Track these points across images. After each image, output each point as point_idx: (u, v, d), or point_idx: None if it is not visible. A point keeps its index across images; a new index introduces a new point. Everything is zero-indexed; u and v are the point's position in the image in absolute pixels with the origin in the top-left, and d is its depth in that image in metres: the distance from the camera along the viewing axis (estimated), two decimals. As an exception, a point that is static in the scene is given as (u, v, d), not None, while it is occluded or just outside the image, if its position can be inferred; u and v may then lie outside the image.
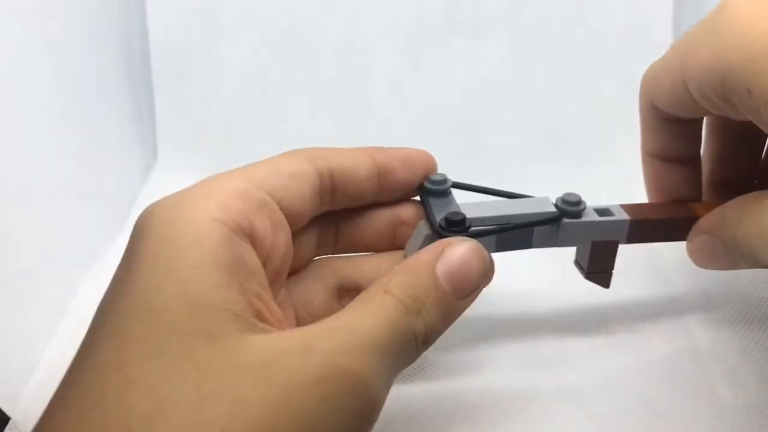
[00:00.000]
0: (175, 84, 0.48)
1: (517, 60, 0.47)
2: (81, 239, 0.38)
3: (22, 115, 0.34)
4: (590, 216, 0.27)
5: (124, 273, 0.20)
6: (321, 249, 0.28)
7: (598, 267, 0.29)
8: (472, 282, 0.22)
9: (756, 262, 0.24)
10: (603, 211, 0.28)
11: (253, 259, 0.21)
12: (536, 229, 0.27)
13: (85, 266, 0.37)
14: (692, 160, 0.29)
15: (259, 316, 0.20)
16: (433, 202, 0.27)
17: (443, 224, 0.25)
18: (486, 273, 0.23)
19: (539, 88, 0.47)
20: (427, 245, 0.23)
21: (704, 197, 0.30)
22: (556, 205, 0.27)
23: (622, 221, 0.27)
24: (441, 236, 0.25)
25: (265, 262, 0.22)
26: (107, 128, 0.44)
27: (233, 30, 0.48)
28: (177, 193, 0.22)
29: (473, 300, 0.23)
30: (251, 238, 0.22)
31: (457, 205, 0.27)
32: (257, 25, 0.48)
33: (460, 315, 0.22)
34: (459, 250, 0.22)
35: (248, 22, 0.48)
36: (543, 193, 0.28)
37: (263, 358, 0.19)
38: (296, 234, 0.25)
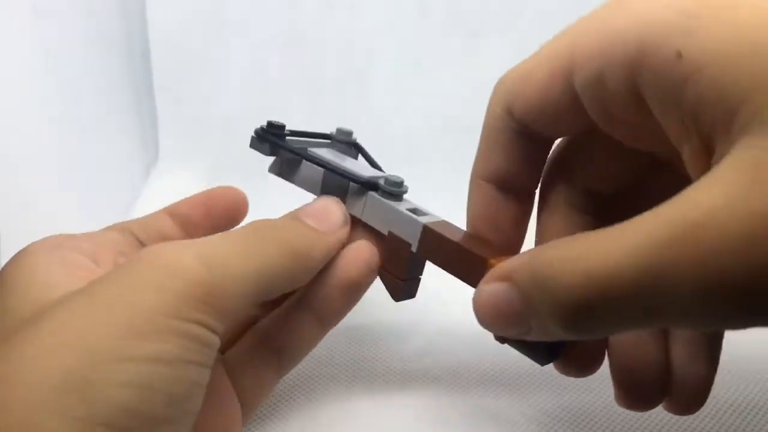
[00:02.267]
0: (175, 84, 0.48)
1: (518, 60, 0.47)
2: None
3: (22, 115, 0.34)
4: (400, 204, 0.25)
5: None
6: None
7: (389, 265, 0.25)
8: (332, 213, 0.25)
9: (567, 327, 0.16)
10: (416, 211, 0.25)
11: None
12: (350, 187, 0.27)
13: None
14: (529, 195, 0.23)
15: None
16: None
17: (264, 126, 0.28)
18: (343, 212, 0.26)
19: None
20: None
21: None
22: (375, 178, 0.26)
23: (416, 222, 0.24)
24: (258, 135, 0.28)
25: None
26: (107, 128, 0.44)
27: (233, 30, 0.48)
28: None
29: (339, 242, 0.25)
30: None
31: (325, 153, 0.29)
32: (257, 25, 0.48)
33: (329, 247, 0.25)
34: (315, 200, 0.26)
35: (248, 22, 0.48)
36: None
37: None
38: None
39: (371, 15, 0.47)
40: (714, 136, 0.15)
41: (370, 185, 0.26)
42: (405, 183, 0.26)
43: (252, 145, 0.29)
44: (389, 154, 0.47)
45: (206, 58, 0.48)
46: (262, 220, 0.24)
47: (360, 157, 0.31)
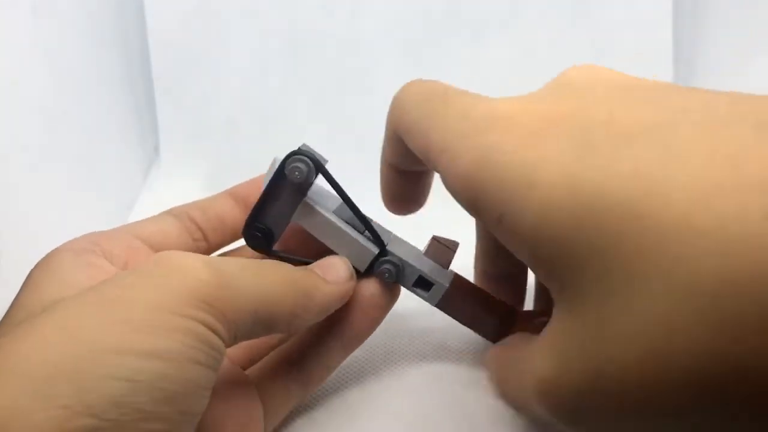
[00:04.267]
0: (175, 84, 0.48)
1: (518, 60, 0.47)
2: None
3: (22, 115, 0.34)
4: (407, 280, 0.27)
5: None
6: None
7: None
8: (338, 268, 0.25)
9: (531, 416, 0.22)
10: (421, 282, 0.27)
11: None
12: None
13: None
14: (426, 174, 0.28)
15: None
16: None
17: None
18: (348, 268, 0.26)
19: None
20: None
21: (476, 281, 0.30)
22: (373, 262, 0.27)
23: (433, 300, 0.27)
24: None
25: None
26: (107, 128, 0.44)
27: (233, 30, 0.48)
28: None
29: (342, 294, 0.25)
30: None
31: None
32: (257, 25, 0.48)
33: (331, 293, 0.24)
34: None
35: (248, 22, 0.48)
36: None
37: None
38: None
39: (372, 14, 0.47)
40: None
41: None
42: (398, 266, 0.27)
43: None
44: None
45: (206, 58, 0.48)
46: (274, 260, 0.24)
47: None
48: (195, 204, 0.28)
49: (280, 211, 0.26)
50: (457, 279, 0.27)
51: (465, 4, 0.47)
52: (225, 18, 0.48)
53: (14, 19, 0.34)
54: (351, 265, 0.26)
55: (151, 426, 0.17)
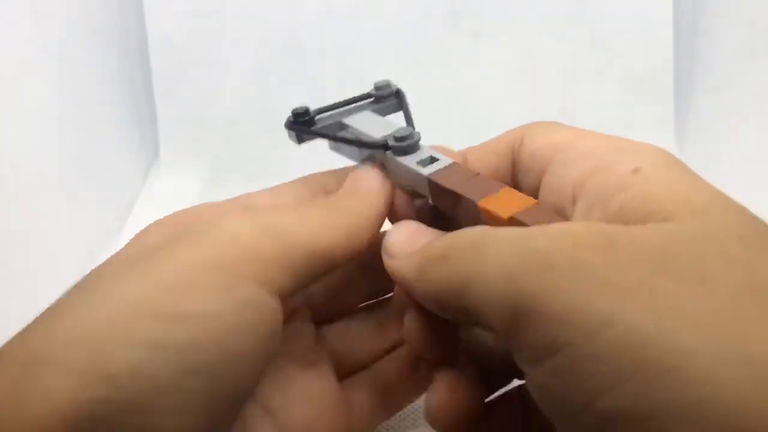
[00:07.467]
0: (175, 84, 0.48)
1: (518, 60, 0.47)
2: (80, 239, 0.38)
3: (22, 115, 0.34)
4: (416, 157, 0.24)
5: None
6: None
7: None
8: (365, 178, 0.24)
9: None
10: (430, 159, 0.24)
11: None
12: (361, 153, 0.26)
13: (85, 266, 0.37)
14: None
15: None
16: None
17: (291, 118, 0.28)
18: (376, 174, 0.24)
19: (540, 88, 0.47)
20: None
21: None
22: (386, 137, 0.25)
23: (421, 175, 0.23)
24: (287, 128, 0.27)
25: None
26: (107, 128, 0.44)
27: (233, 30, 0.48)
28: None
29: (381, 202, 0.23)
30: None
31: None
32: (257, 25, 0.48)
33: (372, 206, 0.23)
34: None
35: (248, 22, 0.48)
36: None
37: None
38: None
39: (372, 15, 0.47)
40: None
41: (378, 146, 0.25)
42: (417, 133, 0.25)
43: (289, 137, 0.28)
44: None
45: (206, 58, 0.48)
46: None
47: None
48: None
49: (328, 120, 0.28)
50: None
51: (465, 4, 0.47)
52: (225, 18, 0.48)
53: (14, 19, 0.34)
54: (375, 169, 0.24)
55: (166, 402, 0.15)
